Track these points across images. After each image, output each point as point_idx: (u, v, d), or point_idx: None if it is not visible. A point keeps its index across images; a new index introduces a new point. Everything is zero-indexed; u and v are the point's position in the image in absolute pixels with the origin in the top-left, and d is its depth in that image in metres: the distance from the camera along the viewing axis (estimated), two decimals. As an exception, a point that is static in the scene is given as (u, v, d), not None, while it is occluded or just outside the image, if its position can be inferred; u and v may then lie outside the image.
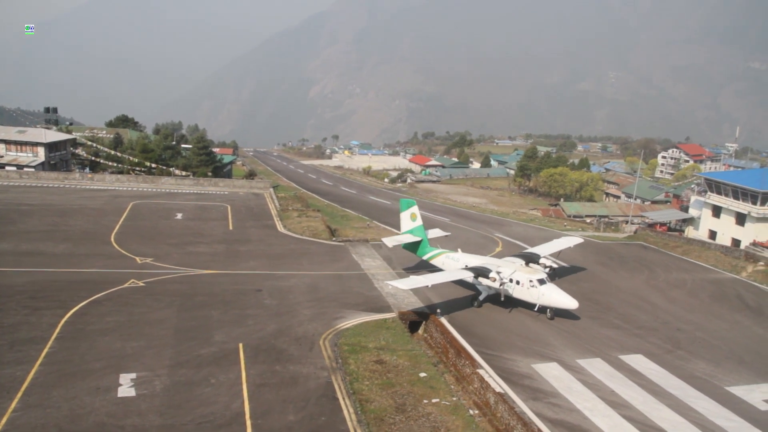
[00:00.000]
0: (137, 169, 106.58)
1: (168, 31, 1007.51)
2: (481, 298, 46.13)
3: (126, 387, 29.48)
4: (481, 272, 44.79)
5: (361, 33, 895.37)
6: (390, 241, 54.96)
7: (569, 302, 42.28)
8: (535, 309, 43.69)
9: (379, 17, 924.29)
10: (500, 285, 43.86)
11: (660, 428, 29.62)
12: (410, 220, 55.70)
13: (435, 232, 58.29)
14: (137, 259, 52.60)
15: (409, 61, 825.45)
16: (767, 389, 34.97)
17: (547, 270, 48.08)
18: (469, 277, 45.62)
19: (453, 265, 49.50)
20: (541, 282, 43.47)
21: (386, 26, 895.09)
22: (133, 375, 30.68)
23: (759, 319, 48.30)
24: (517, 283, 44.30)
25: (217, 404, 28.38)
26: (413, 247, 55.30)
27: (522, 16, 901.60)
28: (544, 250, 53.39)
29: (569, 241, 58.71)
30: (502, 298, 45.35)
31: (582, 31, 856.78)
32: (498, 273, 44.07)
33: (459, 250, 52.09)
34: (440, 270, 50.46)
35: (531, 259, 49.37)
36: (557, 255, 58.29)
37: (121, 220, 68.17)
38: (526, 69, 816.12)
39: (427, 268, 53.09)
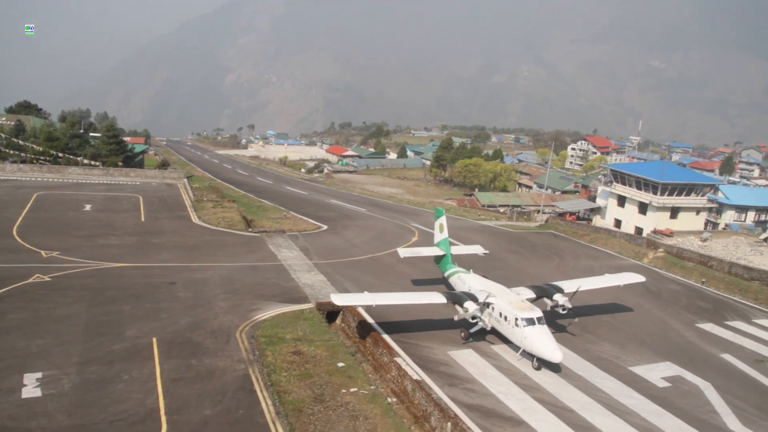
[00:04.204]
0: (42, 158, 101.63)
1: (74, 13, 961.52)
2: (472, 330, 38.17)
3: (31, 387, 28.12)
4: (456, 299, 38.24)
5: (278, 21, 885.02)
6: (404, 252, 49.74)
7: (551, 354, 33.97)
8: (518, 353, 36.36)
9: (296, 6, 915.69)
10: (472, 318, 36.83)
11: (569, 408, 30.93)
12: (439, 231, 49.79)
13: (475, 248, 53.21)
14: (42, 252, 50.29)
15: (326, 51, 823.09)
16: (665, 367, 37.12)
17: (560, 310, 40.13)
18: (442, 302, 38.70)
19: (460, 286, 43.05)
20: (529, 322, 35.23)
21: (303, 15, 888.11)
22: (39, 374, 29.34)
23: (658, 302, 51.04)
24: (505, 318, 36.76)
25: (131, 401, 27.58)
26: (438, 261, 49.20)
27: (438, 9, 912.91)
28: (577, 284, 42.61)
29: (623, 278, 46.79)
30: (488, 329, 37.87)
31: (496, 26, 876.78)
32: (475, 304, 37.25)
33: (471, 270, 45.40)
34: (452, 289, 43.72)
35: (546, 293, 40.96)
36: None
37: (24, 212, 64.93)
38: (442, 61, 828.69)
39: (447, 285, 46.92)
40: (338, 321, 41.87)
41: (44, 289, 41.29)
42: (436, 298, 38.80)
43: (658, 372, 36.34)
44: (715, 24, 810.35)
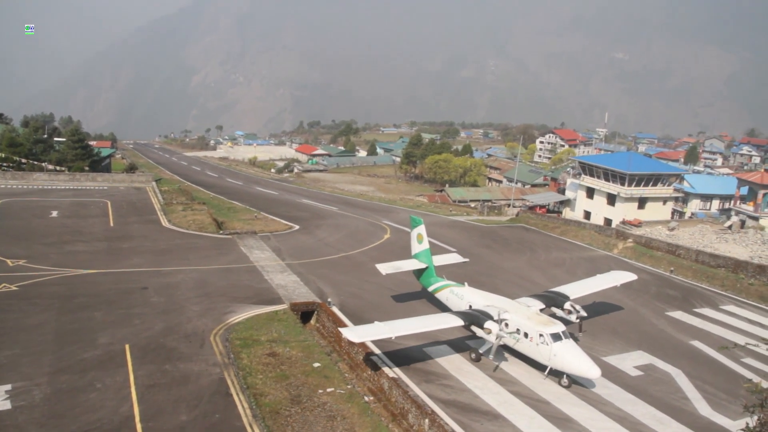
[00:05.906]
0: (4, 165, 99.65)
1: (33, 11, 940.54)
2: (482, 350, 35.16)
3: (0, 400, 27.63)
4: (474, 320, 34.97)
5: (243, 19, 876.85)
6: (384, 268, 44.45)
7: (587, 370, 31.61)
8: (546, 372, 33.64)
9: (261, 3, 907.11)
10: (496, 339, 33.58)
11: (545, 401, 31.30)
12: (417, 242, 45.34)
13: (452, 257, 49.37)
14: (8, 261, 49.24)
15: (292, 49, 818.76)
16: (636, 356, 37.81)
17: (575, 318, 38.25)
18: (459, 324, 35.36)
19: (456, 303, 40.02)
20: (556, 338, 32.79)
21: (268, 13, 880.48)
22: (8, 386, 28.76)
23: (628, 292, 51.47)
24: (525, 335, 33.93)
25: (105, 409, 27.22)
26: (419, 275, 45.46)
27: (402, 3, 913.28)
28: (578, 289, 41.98)
29: (616, 277, 45.41)
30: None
31: (461, 20, 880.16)
32: (496, 323, 33.89)
33: (466, 284, 41.85)
34: (444, 306, 41.67)
35: (554, 302, 38.91)
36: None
37: (-12, 220, 63.66)
38: (408, 56, 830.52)
39: (433, 301, 44.46)
40: (313, 321, 41.74)
41: (11, 299, 40.46)
42: (452, 320, 35.43)
43: (630, 361, 36.98)
44: (676, 15, 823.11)
